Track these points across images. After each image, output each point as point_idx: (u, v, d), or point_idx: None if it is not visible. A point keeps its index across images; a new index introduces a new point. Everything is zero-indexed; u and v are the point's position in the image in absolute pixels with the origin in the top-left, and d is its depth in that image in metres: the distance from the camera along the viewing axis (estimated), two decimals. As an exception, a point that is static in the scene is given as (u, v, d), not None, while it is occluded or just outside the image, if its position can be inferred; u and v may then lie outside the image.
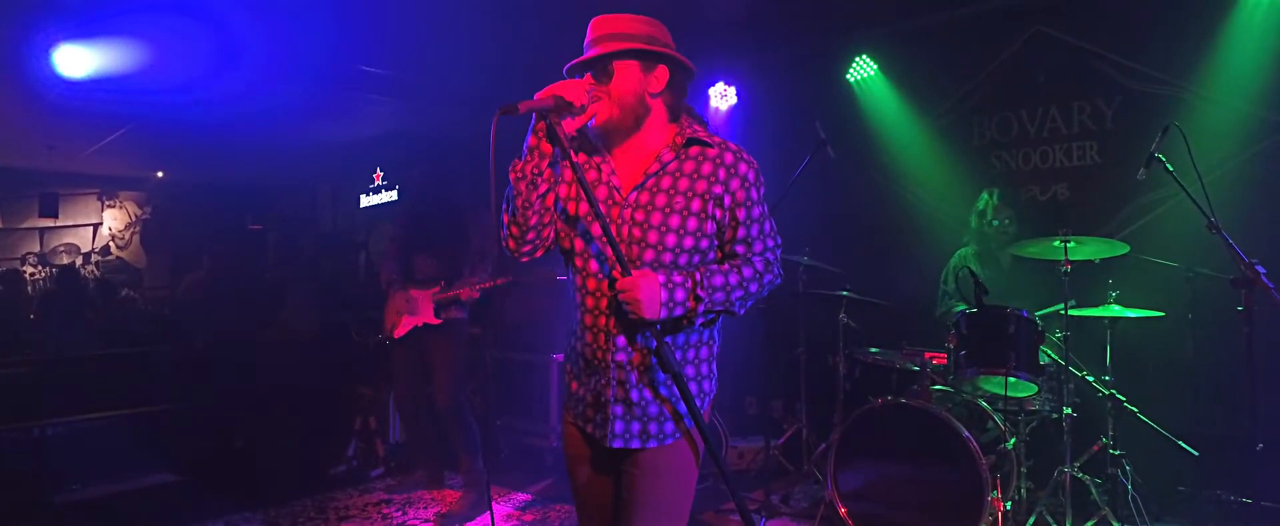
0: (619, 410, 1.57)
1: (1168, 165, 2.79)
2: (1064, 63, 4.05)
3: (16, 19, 4.19)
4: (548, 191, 1.60)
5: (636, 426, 1.57)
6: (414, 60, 5.15)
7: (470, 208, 3.68)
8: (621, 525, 1.60)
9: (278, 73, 5.01)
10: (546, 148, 1.55)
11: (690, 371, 1.61)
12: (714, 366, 1.67)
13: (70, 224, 9.31)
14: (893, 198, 4.58)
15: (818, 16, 4.53)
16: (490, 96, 5.63)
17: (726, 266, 1.58)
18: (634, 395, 1.56)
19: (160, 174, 9.04)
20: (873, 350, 3.57)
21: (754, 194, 1.59)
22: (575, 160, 1.53)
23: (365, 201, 7.70)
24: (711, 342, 1.66)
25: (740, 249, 1.60)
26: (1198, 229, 3.11)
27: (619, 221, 1.58)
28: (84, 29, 4.17)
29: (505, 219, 1.63)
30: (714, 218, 1.57)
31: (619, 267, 1.51)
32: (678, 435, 1.58)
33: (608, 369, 1.57)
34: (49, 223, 9.04)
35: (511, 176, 1.59)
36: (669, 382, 1.56)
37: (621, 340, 1.56)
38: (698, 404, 1.60)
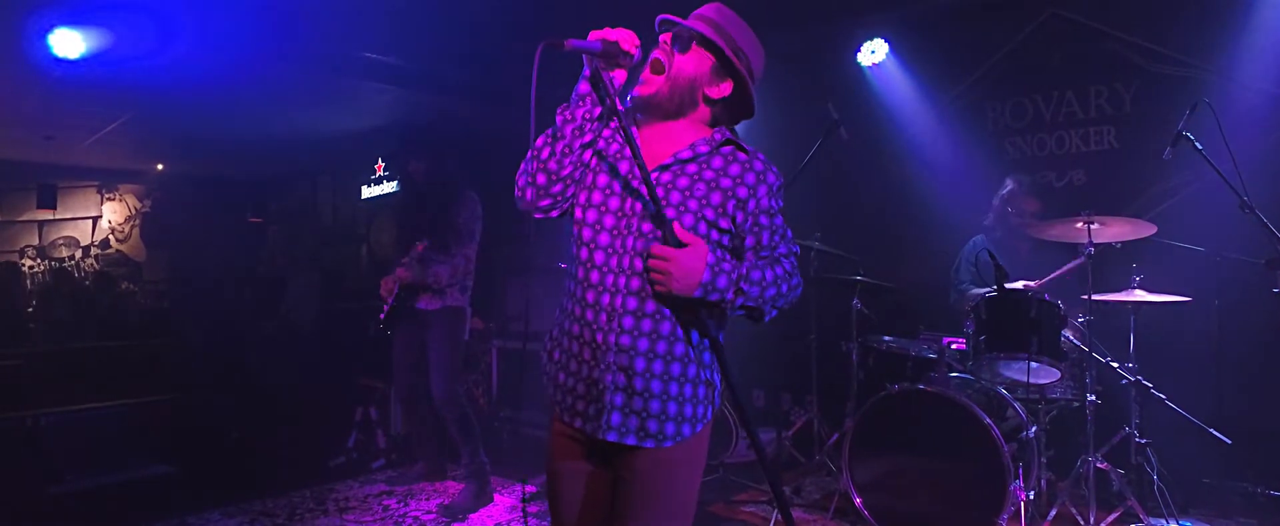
0: (619, 399, 1.43)
1: (1196, 144, 2.71)
2: (1080, 45, 3.96)
3: (12, 3, 4.12)
4: (592, 142, 1.51)
5: (635, 421, 1.43)
6: (418, 48, 5.06)
7: (458, 185, 3.51)
8: (617, 519, 1.48)
9: (278, 59, 4.93)
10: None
11: (699, 367, 1.50)
12: (715, 374, 1.56)
13: (69, 217, 9.23)
14: (905, 183, 4.49)
15: (830, -1, 4.44)
16: (495, 87, 5.55)
17: (761, 262, 1.48)
18: (638, 384, 1.43)
19: (160, 166, 8.95)
20: (886, 338, 3.48)
21: (777, 204, 1.53)
22: (620, 111, 1.46)
23: (367, 192, 7.62)
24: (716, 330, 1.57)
25: (765, 255, 1.52)
26: (1222, 213, 3.03)
27: (636, 198, 1.49)
28: (80, 12, 4.09)
29: (534, 166, 1.51)
30: (733, 218, 1.48)
31: (662, 230, 1.41)
32: (681, 438, 1.45)
33: (608, 352, 1.43)
34: (48, 215, 8.96)
35: (559, 119, 1.50)
36: (681, 376, 1.45)
37: (629, 321, 1.43)
38: (706, 395, 1.50)
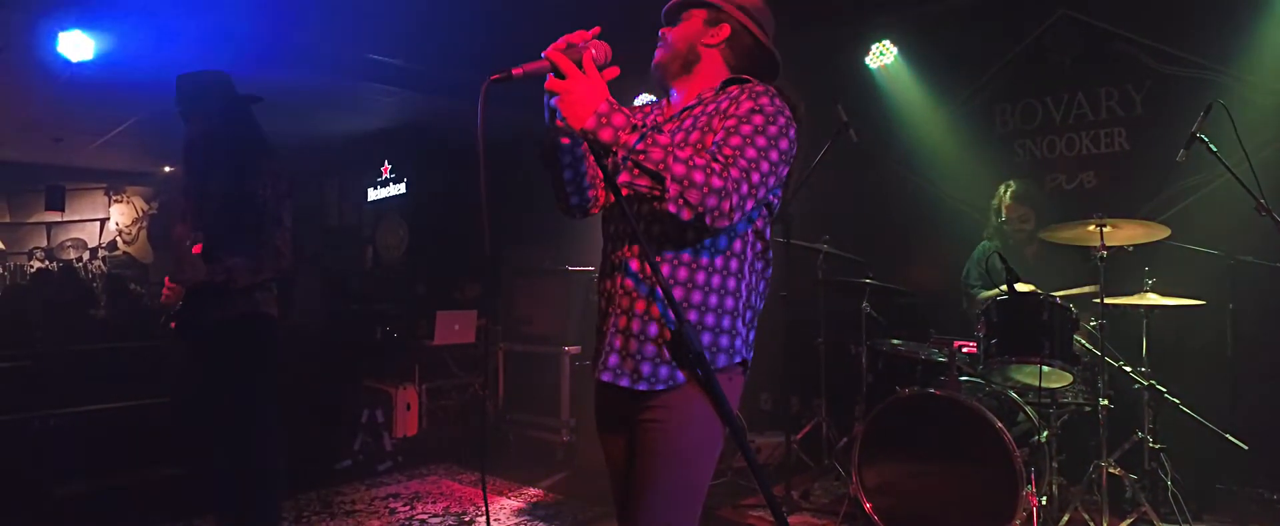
0: (618, 342, 1.44)
1: (1211, 145, 2.68)
2: (1090, 47, 3.93)
3: (21, 4, 4.13)
4: (583, 159, 1.55)
5: (630, 363, 1.42)
6: (424, 49, 5.05)
7: (256, 152, 2.67)
8: (629, 485, 1.43)
9: (285, 61, 4.93)
10: None
11: (690, 314, 1.42)
12: (738, 323, 1.46)
13: (77, 218, 9.26)
14: (913, 186, 4.47)
15: (837, 0, 4.42)
16: (500, 88, 5.54)
17: (690, 143, 1.41)
18: (635, 326, 1.42)
19: (168, 168, 8.98)
20: (895, 341, 3.46)
21: (758, 120, 1.38)
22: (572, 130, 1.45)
23: (372, 195, 7.62)
24: (734, 288, 1.45)
25: (705, 148, 1.40)
26: (1236, 216, 3.00)
27: None
28: (89, 14, 4.10)
29: (558, 192, 1.61)
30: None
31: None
32: (673, 382, 1.40)
33: (618, 295, 1.47)
34: (56, 217, 9.00)
35: (540, 147, 1.55)
36: (657, 321, 1.41)
37: (634, 264, 1.46)
38: (710, 343, 1.41)
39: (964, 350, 3.06)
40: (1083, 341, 2.97)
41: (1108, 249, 2.85)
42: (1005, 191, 3.59)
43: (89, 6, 4.10)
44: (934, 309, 3.84)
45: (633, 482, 1.43)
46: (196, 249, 2.54)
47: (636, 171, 1.33)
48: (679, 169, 1.30)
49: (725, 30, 1.57)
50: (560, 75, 1.35)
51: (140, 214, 9.59)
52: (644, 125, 1.35)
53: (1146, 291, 2.95)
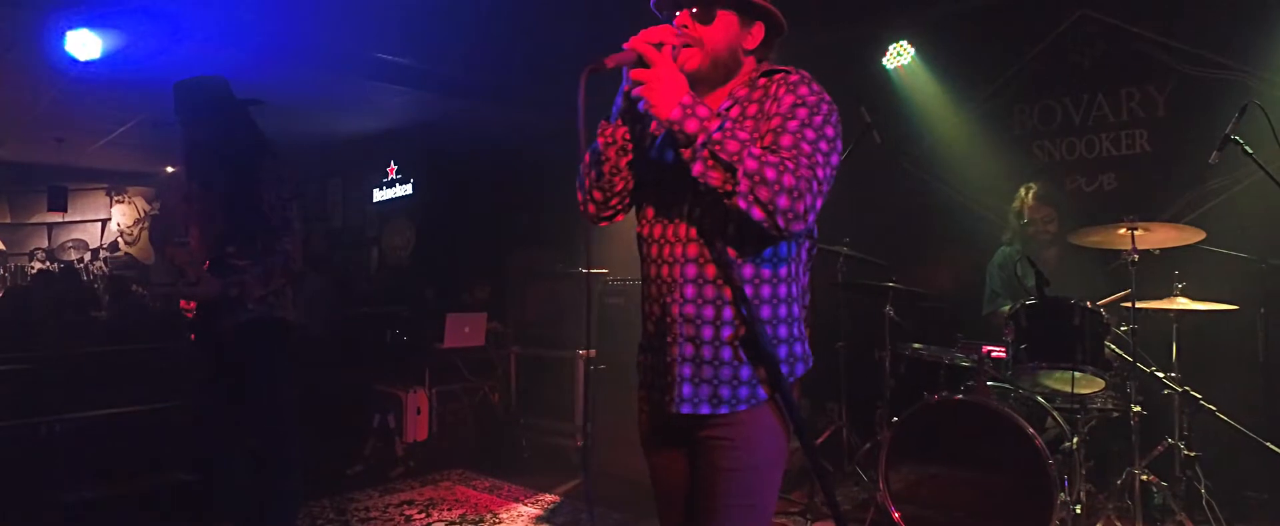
0: (687, 370, 1.39)
1: (1246, 147, 2.63)
2: (1111, 47, 3.89)
3: (28, 3, 4.07)
4: (637, 156, 1.48)
5: (706, 390, 1.37)
6: (432, 48, 5.00)
7: (256, 152, 2.57)
8: (698, 511, 1.40)
9: (291, 60, 4.88)
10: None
11: (776, 329, 1.40)
12: (802, 327, 1.45)
13: (78, 219, 9.20)
14: (930, 188, 4.42)
15: (853, 1, 4.37)
16: (509, 87, 5.49)
17: (757, 139, 1.34)
18: (707, 353, 1.38)
19: (170, 169, 8.92)
20: (916, 345, 3.41)
21: (802, 112, 1.35)
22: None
23: (378, 196, 7.57)
24: (799, 294, 1.44)
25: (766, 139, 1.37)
26: (1265, 218, 2.96)
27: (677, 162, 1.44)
28: (96, 14, 4.04)
29: (586, 183, 1.50)
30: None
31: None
32: (754, 401, 1.38)
33: (674, 323, 1.40)
34: (57, 217, 8.94)
35: (600, 140, 1.47)
36: (740, 341, 1.37)
37: (690, 290, 1.39)
38: (785, 355, 1.40)
39: (991, 355, 3.02)
40: (1113, 346, 2.92)
41: (1138, 252, 2.80)
42: (1027, 193, 3.54)
43: (97, 5, 4.05)
44: (956, 313, 3.79)
45: (702, 500, 1.39)
46: (206, 265, 2.49)
47: (711, 162, 1.29)
48: (752, 164, 1.27)
49: (760, 33, 1.49)
50: (646, 66, 1.33)
51: (142, 214, 9.54)
52: (724, 115, 1.31)
53: (1176, 295, 2.90)
